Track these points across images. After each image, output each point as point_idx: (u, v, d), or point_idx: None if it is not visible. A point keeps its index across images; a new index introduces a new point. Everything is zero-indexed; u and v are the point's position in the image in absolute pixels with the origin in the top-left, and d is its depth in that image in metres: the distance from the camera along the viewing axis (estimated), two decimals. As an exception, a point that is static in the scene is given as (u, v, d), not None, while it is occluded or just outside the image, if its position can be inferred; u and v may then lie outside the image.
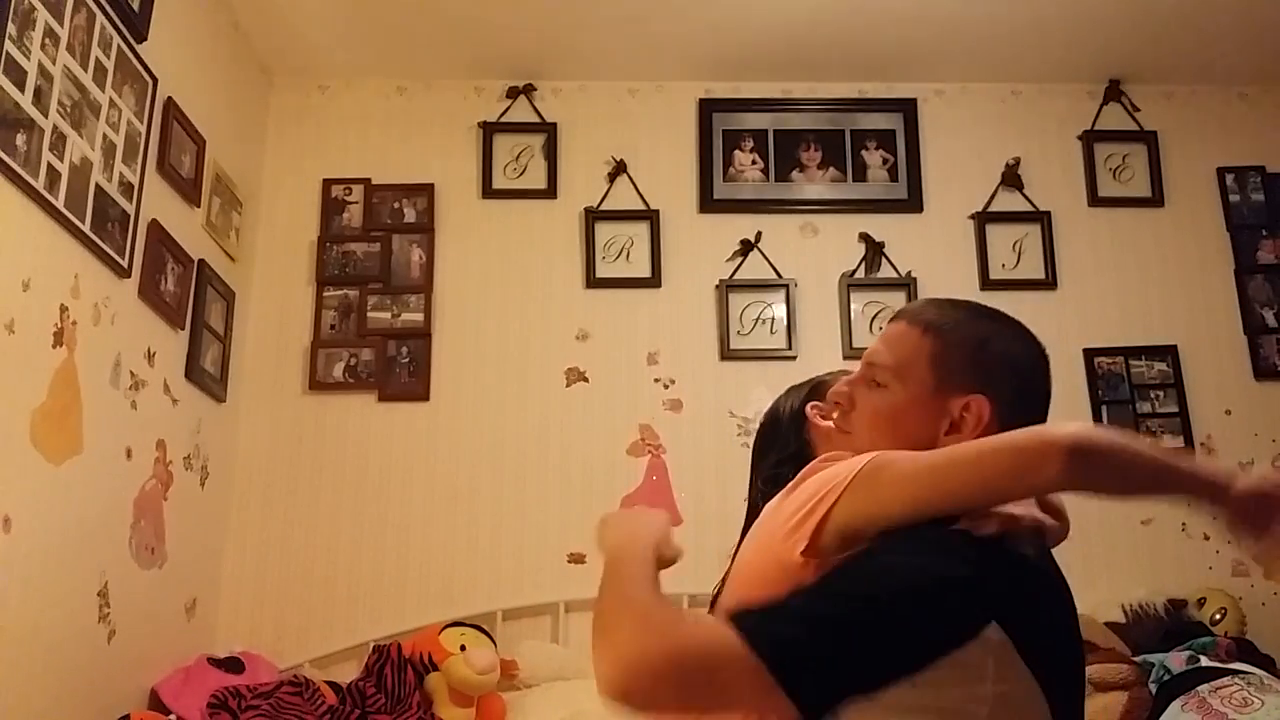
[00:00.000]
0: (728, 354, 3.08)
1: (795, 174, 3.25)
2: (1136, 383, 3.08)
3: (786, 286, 3.13)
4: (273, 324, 3.07)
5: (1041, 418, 1.20)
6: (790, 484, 1.14)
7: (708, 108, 3.29)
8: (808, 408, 1.56)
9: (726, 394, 3.05)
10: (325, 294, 3.09)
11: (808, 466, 1.15)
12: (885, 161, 3.28)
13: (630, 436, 3.01)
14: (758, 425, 1.71)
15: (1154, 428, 3.05)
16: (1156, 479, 1.06)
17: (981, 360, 1.17)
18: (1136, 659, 2.58)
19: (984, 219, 3.23)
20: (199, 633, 2.70)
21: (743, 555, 1.21)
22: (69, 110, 2.06)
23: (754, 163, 3.26)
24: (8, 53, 1.85)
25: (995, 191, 3.26)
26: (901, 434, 1.14)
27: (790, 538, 1.06)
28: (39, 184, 1.94)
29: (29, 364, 1.94)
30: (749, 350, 3.09)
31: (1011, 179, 3.26)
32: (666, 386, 3.06)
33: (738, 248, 3.18)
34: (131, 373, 2.35)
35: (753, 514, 1.31)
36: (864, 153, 3.28)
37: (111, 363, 2.26)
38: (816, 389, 1.62)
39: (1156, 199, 3.26)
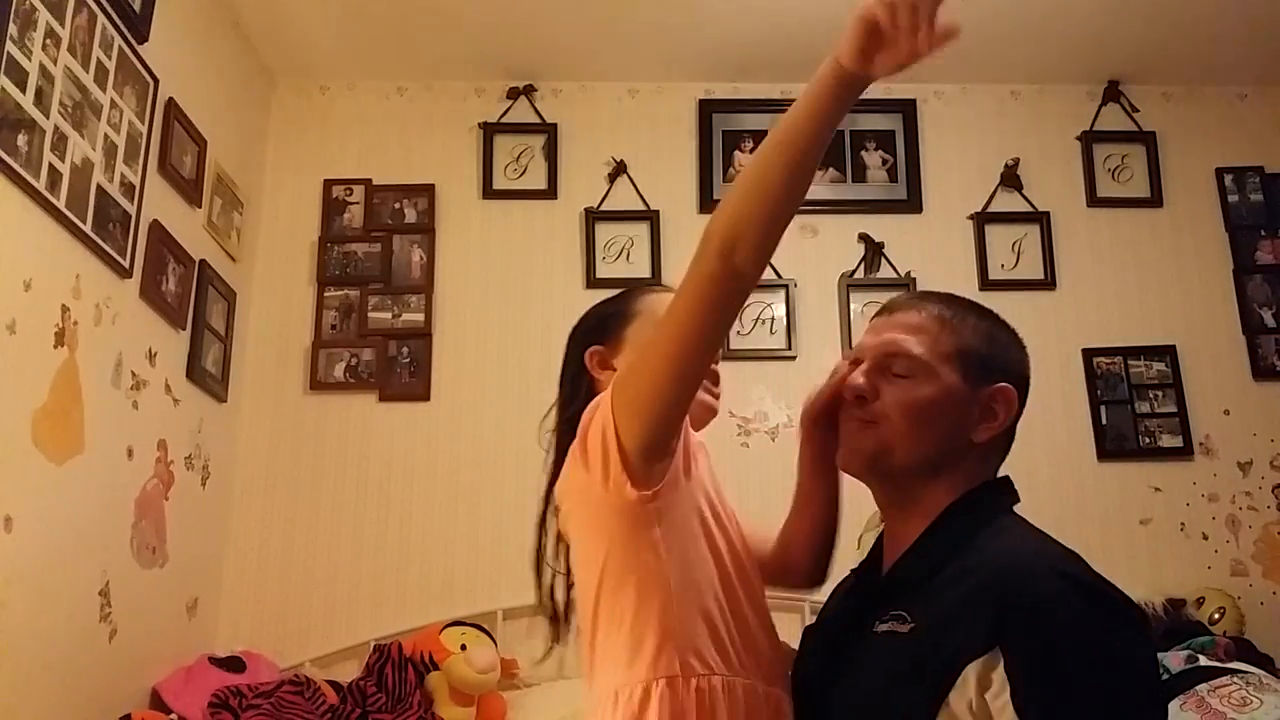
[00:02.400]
0: (727, 354, 3.08)
1: (795, 174, 3.25)
2: (1135, 383, 3.09)
3: (786, 287, 3.14)
4: (274, 324, 3.08)
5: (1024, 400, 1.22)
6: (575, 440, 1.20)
7: (708, 108, 3.29)
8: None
9: (726, 394, 2.98)
10: (326, 294, 3.10)
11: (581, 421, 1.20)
12: (885, 162, 3.28)
13: (630, 436, 3.02)
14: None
15: (1153, 428, 3.06)
16: (801, 151, 1.15)
17: (997, 350, 1.20)
18: (1135, 658, 2.58)
19: (983, 219, 3.24)
20: (200, 632, 2.70)
21: (565, 526, 1.26)
22: (70, 111, 2.07)
23: (754, 163, 3.26)
24: (9, 53, 1.86)
25: (994, 192, 3.26)
26: (940, 425, 1.16)
27: (608, 484, 1.14)
28: (40, 184, 1.95)
29: (30, 364, 1.95)
30: (749, 350, 3.09)
31: (1011, 179, 3.26)
32: (666, 386, 3.06)
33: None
34: (133, 373, 2.36)
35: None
36: (863, 153, 3.29)
37: (113, 363, 2.26)
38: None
39: (1155, 199, 3.26)
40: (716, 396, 1.35)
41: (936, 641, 1.01)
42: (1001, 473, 1.21)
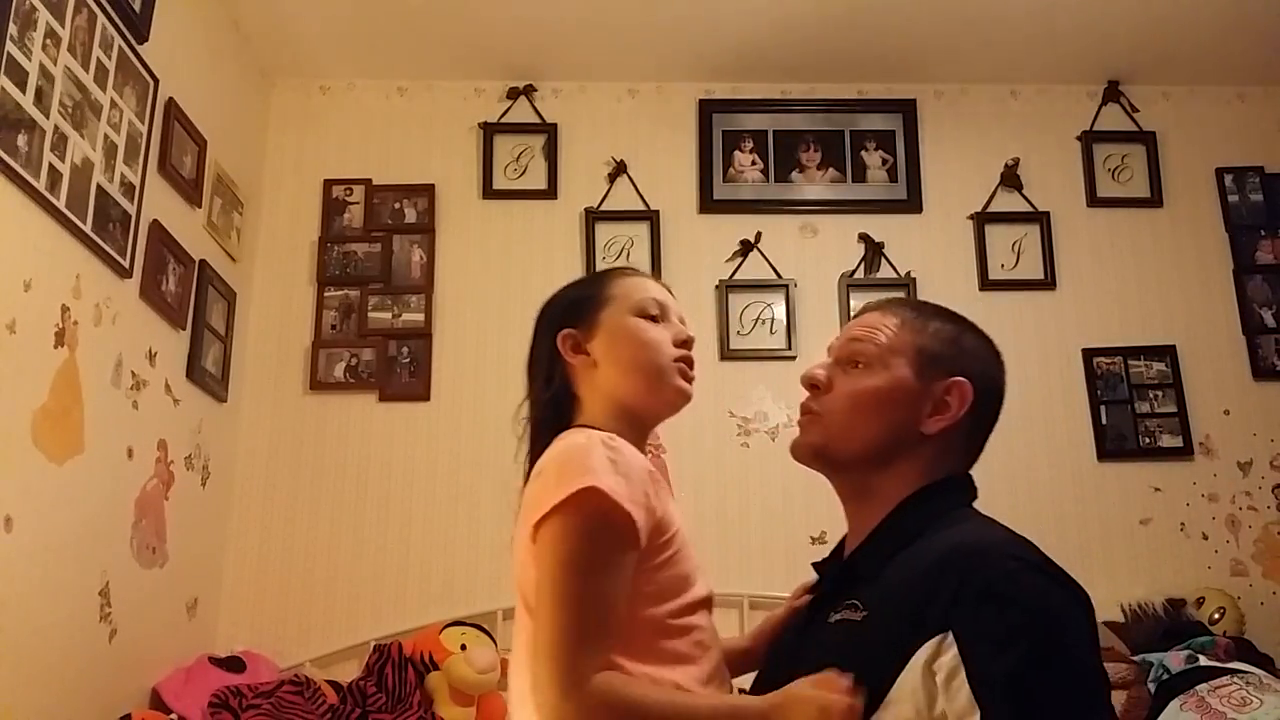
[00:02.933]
0: (728, 354, 3.09)
1: (795, 174, 3.26)
2: (1135, 383, 3.09)
3: (786, 287, 3.14)
4: (274, 324, 3.08)
5: (999, 410, 1.24)
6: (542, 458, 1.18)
7: (708, 108, 3.29)
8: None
9: (726, 394, 3.06)
10: (326, 294, 3.10)
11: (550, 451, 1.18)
12: (885, 162, 3.28)
13: (630, 436, 3.01)
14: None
15: (1153, 428, 3.06)
16: None
17: (957, 351, 1.22)
18: (1135, 658, 2.59)
19: (983, 219, 3.24)
20: (200, 632, 2.70)
21: (516, 533, 1.23)
22: (70, 111, 2.07)
23: (754, 163, 3.27)
24: (9, 53, 1.86)
25: (994, 192, 3.26)
26: (885, 415, 1.19)
27: (526, 525, 1.13)
28: (40, 184, 1.95)
29: (30, 364, 1.94)
30: (749, 350, 3.09)
31: (1011, 179, 3.27)
32: (666, 386, 3.06)
33: (737, 248, 3.19)
34: (133, 373, 2.36)
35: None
36: (863, 153, 3.29)
37: (113, 363, 2.26)
38: None
39: (1155, 199, 3.26)
40: (690, 380, 1.31)
41: (887, 626, 1.03)
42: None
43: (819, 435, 1.22)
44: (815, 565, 1.30)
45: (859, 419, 1.19)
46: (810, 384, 1.24)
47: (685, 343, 1.31)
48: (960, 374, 1.19)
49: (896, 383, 1.18)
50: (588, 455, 1.12)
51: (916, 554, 1.08)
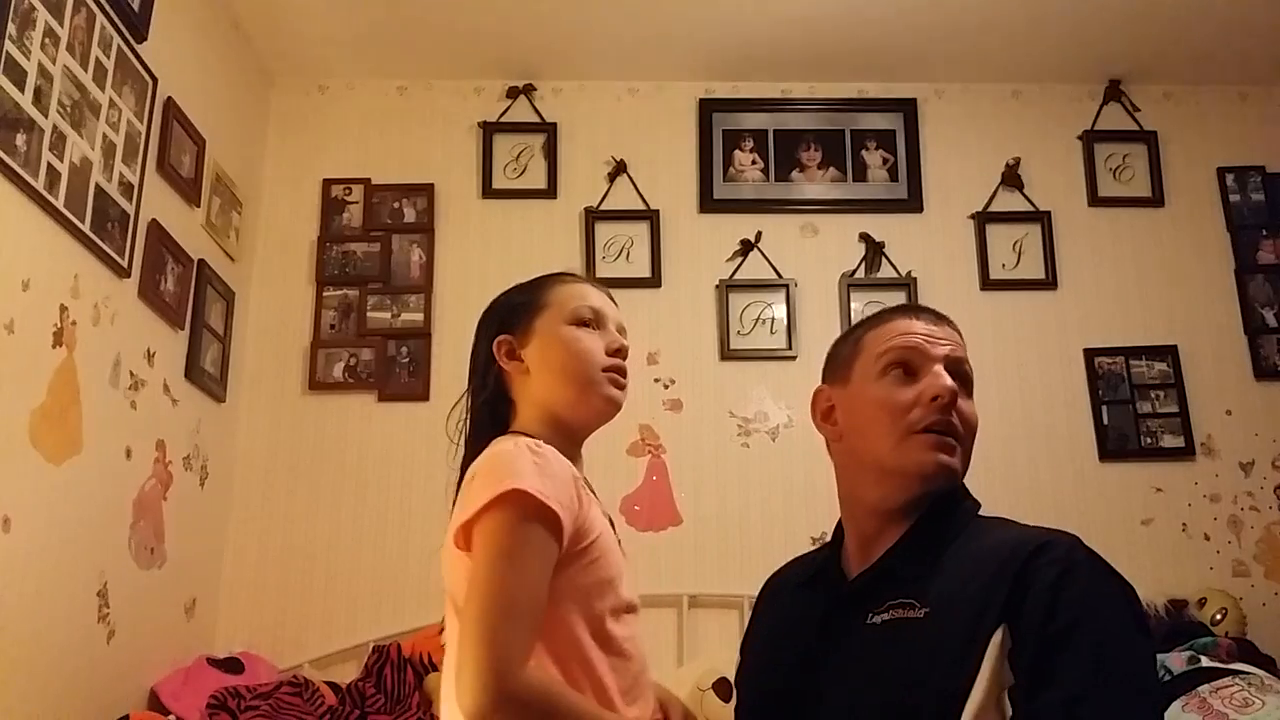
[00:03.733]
0: (728, 354, 3.08)
1: (795, 174, 3.25)
2: (1137, 383, 3.08)
3: (786, 286, 3.13)
4: (273, 324, 3.07)
5: None
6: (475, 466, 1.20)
7: (708, 108, 3.29)
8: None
9: (726, 394, 3.05)
10: (325, 294, 3.09)
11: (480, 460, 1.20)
12: (885, 161, 3.28)
13: (630, 436, 3.01)
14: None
15: (1154, 428, 3.05)
16: None
17: None
18: (1137, 659, 2.58)
19: (984, 219, 3.23)
20: (198, 633, 2.70)
21: (451, 520, 1.22)
22: (69, 110, 2.06)
23: (754, 163, 3.26)
24: (8, 53, 1.85)
25: (995, 191, 3.26)
26: None
27: (455, 528, 1.15)
28: (39, 184, 1.94)
29: (29, 364, 1.94)
30: (749, 350, 3.08)
31: (1011, 179, 3.26)
32: (666, 386, 3.06)
33: (738, 248, 3.18)
34: (131, 373, 2.35)
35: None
36: (864, 153, 3.28)
37: (111, 363, 2.26)
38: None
39: (1156, 199, 3.26)
40: (622, 388, 1.32)
41: (959, 620, 1.05)
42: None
43: (960, 461, 1.20)
44: (805, 583, 1.29)
45: (971, 445, 1.21)
46: (953, 402, 1.18)
47: (618, 352, 1.32)
48: None
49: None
50: (514, 460, 1.15)
51: (966, 552, 1.11)
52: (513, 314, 1.37)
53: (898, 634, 1.09)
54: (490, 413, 1.32)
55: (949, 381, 1.17)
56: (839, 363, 1.28)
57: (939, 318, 1.26)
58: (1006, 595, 1.02)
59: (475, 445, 1.27)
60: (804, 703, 1.15)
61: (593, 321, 1.33)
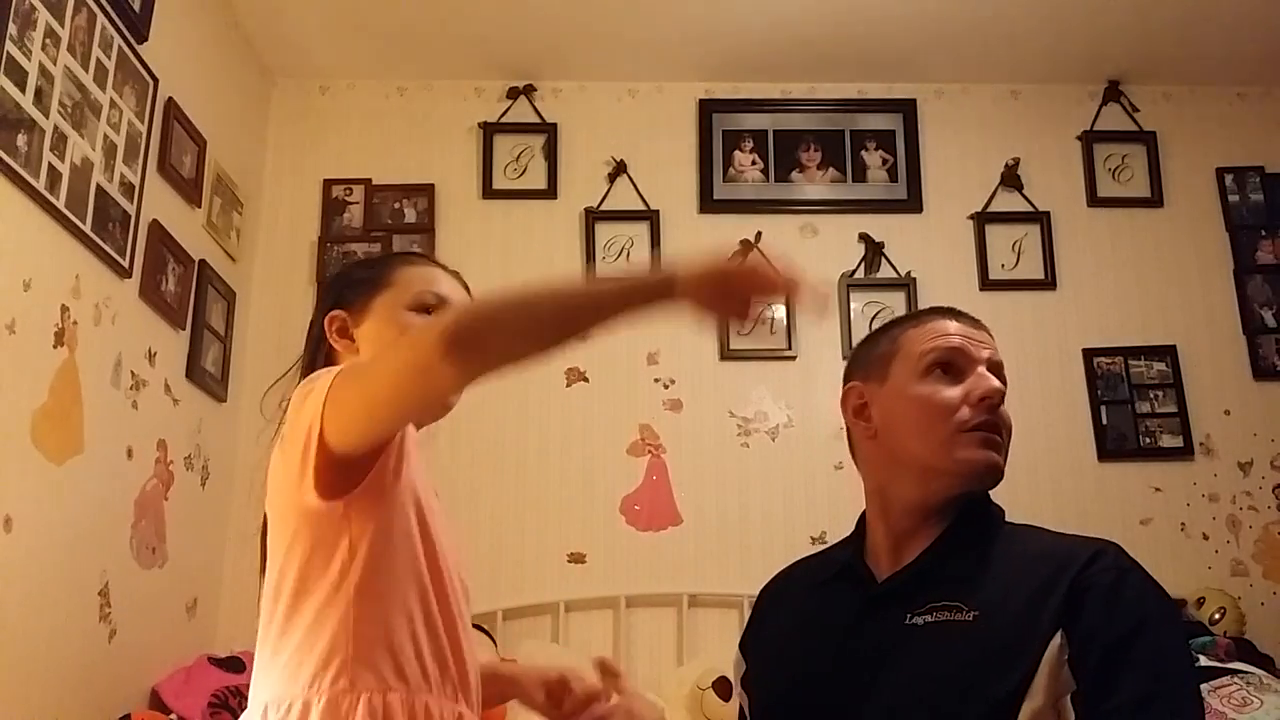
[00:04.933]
0: (728, 354, 3.08)
1: (795, 174, 3.26)
2: (1136, 383, 3.08)
3: (786, 287, 3.13)
4: (273, 324, 3.07)
5: None
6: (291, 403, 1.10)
7: (708, 108, 3.29)
8: None
9: (726, 394, 3.06)
10: (326, 294, 3.10)
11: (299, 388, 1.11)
12: (885, 162, 3.28)
13: (630, 436, 3.02)
14: None
15: (1153, 428, 3.05)
16: (582, 311, 1.01)
17: None
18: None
19: (983, 219, 3.23)
20: (200, 632, 2.70)
21: (270, 484, 1.14)
22: (70, 110, 2.07)
23: (754, 163, 3.26)
24: (9, 53, 1.86)
25: (995, 192, 3.26)
26: None
27: (301, 484, 1.05)
28: (40, 184, 1.95)
29: (30, 364, 1.94)
30: (749, 350, 3.08)
31: (1011, 179, 3.26)
32: (666, 386, 3.06)
33: (738, 248, 3.18)
34: (132, 373, 2.36)
35: None
36: (864, 153, 3.29)
37: (112, 363, 2.26)
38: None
39: (1156, 199, 3.26)
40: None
41: (1011, 626, 1.06)
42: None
43: (1003, 459, 1.20)
44: (825, 582, 1.27)
45: (1009, 447, 1.21)
46: (1000, 403, 1.19)
47: None
48: None
49: None
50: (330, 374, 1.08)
51: (1009, 557, 1.13)
52: (352, 289, 1.28)
53: (946, 636, 1.08)
54: None
55: (996, 382, 1.18)
56: (873, 360, 1.26)
57: (975, 321, 1.27)
58: (1063, 602, 1.04)
59: None
60: (838, 702, 1.13)
61: (435, 308, 1.23)
